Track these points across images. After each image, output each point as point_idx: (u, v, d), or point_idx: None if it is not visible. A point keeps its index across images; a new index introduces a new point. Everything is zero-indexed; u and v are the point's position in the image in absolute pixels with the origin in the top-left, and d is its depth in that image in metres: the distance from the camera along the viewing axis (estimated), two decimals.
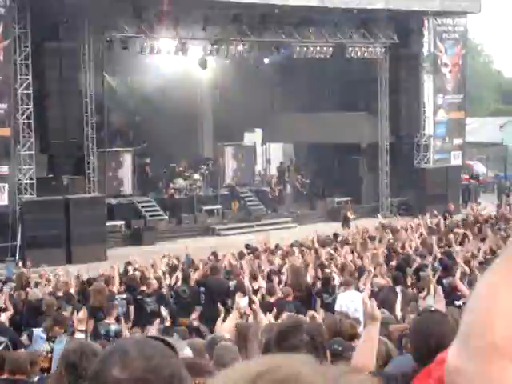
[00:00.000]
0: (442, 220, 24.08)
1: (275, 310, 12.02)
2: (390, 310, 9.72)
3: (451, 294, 12.53)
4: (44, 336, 9.90)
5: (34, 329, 10.60)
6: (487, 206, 31.41)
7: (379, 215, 27.49)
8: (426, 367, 3.59)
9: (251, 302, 10.85)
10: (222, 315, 10.67)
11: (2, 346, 10.57)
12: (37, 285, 17.78)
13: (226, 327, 8.40)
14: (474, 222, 24.01)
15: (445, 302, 10.61)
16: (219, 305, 11.12)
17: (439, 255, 16.60)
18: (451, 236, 19.88)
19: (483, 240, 18.92)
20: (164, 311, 12.74)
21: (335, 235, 23.18)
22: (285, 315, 9.95)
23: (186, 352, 4.90)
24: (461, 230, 21.30)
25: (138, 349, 1.92)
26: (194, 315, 11.96)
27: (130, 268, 18.68)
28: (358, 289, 13.14)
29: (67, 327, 10.69)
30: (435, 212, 26.51)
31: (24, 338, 10.36)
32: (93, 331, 12.31)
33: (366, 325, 4.12)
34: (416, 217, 26.84)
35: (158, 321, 11.24)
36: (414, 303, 11.25)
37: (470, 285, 12.30)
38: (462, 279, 12.91)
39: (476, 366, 1.15)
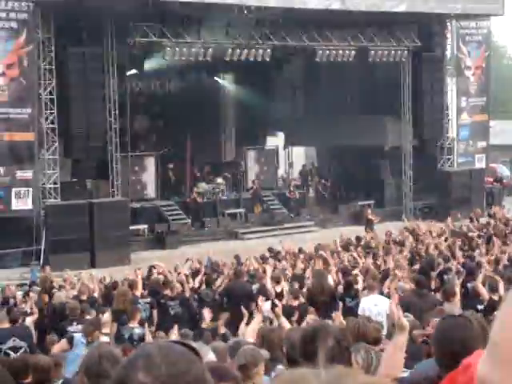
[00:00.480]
0: (465, 224, 23.98)
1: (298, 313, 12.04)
2: (414, 315, 9.68)
3: (474, 299, 12.47)
4: (84, 341, 9.95)
5: (74, 333, 10.63)
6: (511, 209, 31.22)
7: (404, 217, 27.39)
8: (450, 372, 3.57)
9: (274, 305, 10.84)
10: (246, 319, 10.67)
11: (21, 352, 10.66)
12: (60, 288, 17.88)
13: (249, 331, 8.40)
14: (498, 225, 23.84)
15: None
16: (243, 308, 11.10)
17: (462, 259, 16.53)
18: (476, 239, 19.81)
19: (507, 243, 18.82)
20: (206, 312, 12.56)
21: (358, 239, 23.11)
22: (309, 319, 9.93)
23: (210, 357, 4.92)
24: (475, 234, 21.30)
25: (162, 354, 1.93)
26: (221, 321, 11.88)
27: (153, 272, 18.75)
28: (381, 293, 13.10)
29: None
30: (459, 215, 26.42)
31: (64, 342, 10.39)
32: (116, 335, 12.36)
33: (394, 334, 4.10)
34: (440, 220, 26.78)
35: (176, 326, 11.20)
36: (438, 308, 11.18)
37: (492, 288, 12.25)
38: (484, 283, 12.85)
39: (501, 374, 1.15)
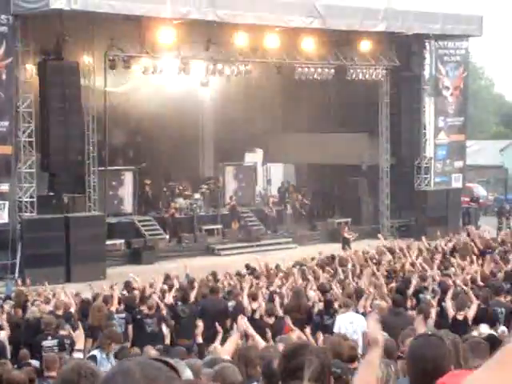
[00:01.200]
0: (440, 243, 24.07)
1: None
2: (390, 333, 9.69)
3: (448, 317, 12.51)
4: (105, 356, 9.82)
5: (93, 352, 10.39)
6: (487, 229, 31.37)
7: (380, 236, 27.43)
8: None
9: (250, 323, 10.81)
10: (220, 336, 10.65)
11: None
12: (34, 303, 17.74)
13: (226, 349, 8.38)
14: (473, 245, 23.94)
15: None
16: (217, 325, 11.07)
17: (438, 278, 16.59)
18: (452, 259, 19.89)
19: (483, 263, 18.90)
20: (165, 330, 12.58)
21: (333, 257, 23.09)
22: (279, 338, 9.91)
23: (187, 374, 4.90)
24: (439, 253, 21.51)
25: (141, 370, 1.92)
26: (198, 330, 11.69)
27: (129, 287, 18.67)
28: (357, 311, 13.12)
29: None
30: (438, 233, 26.49)
31: None
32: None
33: (369, 349, 4.10)
34: (416, 239, 26.86)
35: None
36: (410, 327, 11.21)
37: (459, 307, 12.36)
38: (454, 299, 12.96)
39: None
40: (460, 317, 12.18)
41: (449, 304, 12.56)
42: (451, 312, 12.31)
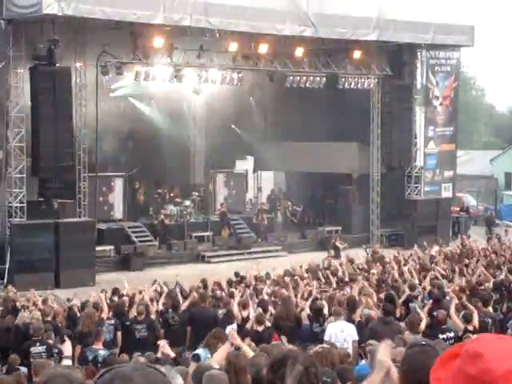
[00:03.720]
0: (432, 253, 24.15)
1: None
2: (379, 342, 9.69)
3: (437, 328, 12.53)
4: (209, 355, 9.72)
5: (197, 351, 10.22)
6: (477, 238, 31.45)
7: (364, 245, 27.48)
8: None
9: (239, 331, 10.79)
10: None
11: None
12: (24, 308, 17.68)
13: (216, 358, 8.36)
14: (462, 255, 24.04)
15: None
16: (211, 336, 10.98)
17: (428, 287, 16.62)
18: (438, 269, 19.95)
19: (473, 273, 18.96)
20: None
21: (323, 266, 23.11)
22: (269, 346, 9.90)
23: (179, 381, 4.89)
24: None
25: (141, 376, 1.92)
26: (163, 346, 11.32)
27: (117, 293, 18.64)
28: (348, 319, 13.11)
29: None
30: (425, 243, 26.58)
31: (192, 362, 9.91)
32: (80, 356, 12.26)
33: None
34: (406, 248, 26.92)
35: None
36: (402, 335, 11.23)
37: (466, 319, 12.43)
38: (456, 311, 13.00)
39: None
40: (470, 327, 12.23)
41: (455, 317, 12.57)
42: (461, 325, 12.31)
